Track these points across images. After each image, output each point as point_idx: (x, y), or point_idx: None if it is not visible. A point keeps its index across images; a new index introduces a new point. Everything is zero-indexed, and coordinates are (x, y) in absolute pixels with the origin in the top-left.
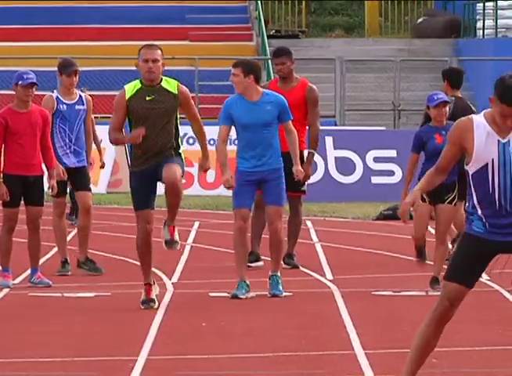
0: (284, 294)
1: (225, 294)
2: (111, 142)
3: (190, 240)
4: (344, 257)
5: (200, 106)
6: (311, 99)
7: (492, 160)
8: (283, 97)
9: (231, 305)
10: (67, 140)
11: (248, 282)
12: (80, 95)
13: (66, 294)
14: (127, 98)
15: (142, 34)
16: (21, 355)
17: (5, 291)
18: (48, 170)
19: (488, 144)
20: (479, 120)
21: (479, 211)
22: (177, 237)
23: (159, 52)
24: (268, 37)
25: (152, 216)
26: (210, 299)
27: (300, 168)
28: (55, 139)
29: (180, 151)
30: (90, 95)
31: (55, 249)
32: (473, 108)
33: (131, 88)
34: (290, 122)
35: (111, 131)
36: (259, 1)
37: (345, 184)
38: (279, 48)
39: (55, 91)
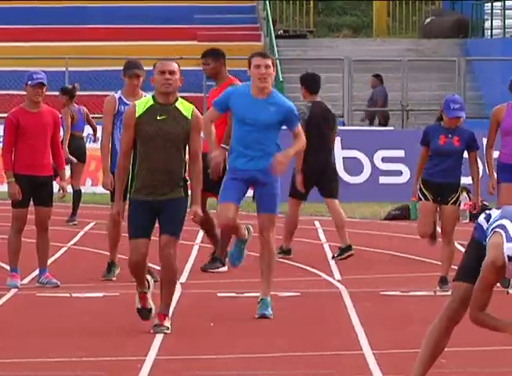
0: (271, 314)
1: (233, 295)
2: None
3: (198, 240)
4: (353, 257)
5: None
6: None
7: None
8: (291, 104)
9: (239, 306)
10: None
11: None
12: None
13: (74, 295)
14: (137, 115)
15: (150, 34)
16: (29, 355)
17: (14, 291)
18: (58, 171)
19: None
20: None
21: None
22: (168, 324)
23: (176, 65)
24: (276, 37)
25: (147, 247)
26: (219, 299)
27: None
28: (116, 140)
29: (187, 184)
30: (99, 95)
31: (64, 249)
32: (332, 111)
33: (142, 104)
34: (299, 130)
35: (120, 156)
36: (267, 2)
37: (353, 184)
38: (208, 49)
39: (118, 91)
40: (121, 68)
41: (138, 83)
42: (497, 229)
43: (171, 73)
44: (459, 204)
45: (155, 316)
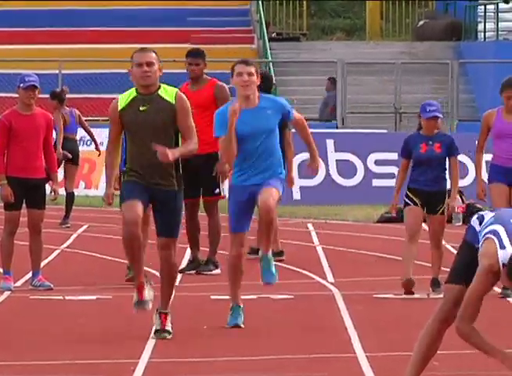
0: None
1: (227, 297)
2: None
3: None
4: (346, 260)
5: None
6: (221, 97)
7: None
8: (281, 99)
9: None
10: None
11: (242, 305)
12: None
13: (67, 297)
14: (119, 109)
15: (143, 37)
16: (22, 358)
17: (7, 293)
18: (50, 174)
19: None
20: None
21: None
22: (169, 327)
23: (154, 55)
24: (270, 39)
25: (141, 210)
26: (212, 302)
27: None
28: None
29: (180, 174)
30: (92, 98)
31: (57, 252)
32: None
33: (124, 97)
34: (297, 117)
35: (108, 148)
36: (260, 4)
37: (346, 187)
38: (194, 49)
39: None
40: (115, 71)
41: None
42: (490, 235)
43: (149, 64)
44: (445, 213)
45: (154, 315)
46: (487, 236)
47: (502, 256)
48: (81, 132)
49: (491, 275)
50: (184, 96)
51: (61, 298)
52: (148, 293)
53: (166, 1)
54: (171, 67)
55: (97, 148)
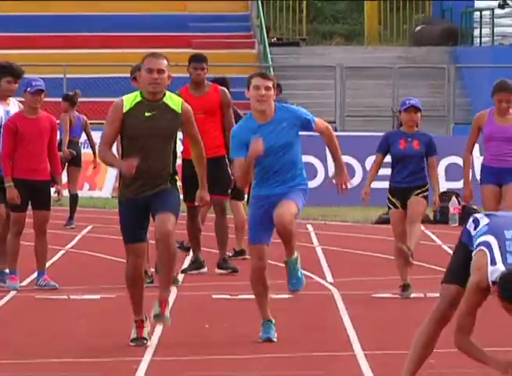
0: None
1: (228, 297)
2: (100, 159)
3: None
4: (344, 260)
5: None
6: (226, 102)
7: None
8: (298, 108)
9: (233, 307)
10: None
11: (272, 320)
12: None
13: (72, 297)
14: (124, 111)
15: (146, 42)
16: (27, 356)
17: (13, 293)
18: (54, 176)
19: None
20: None
21: None
22: (168, 314)
23: (165, 62)
24: (270, 45)
25: (143, 250)
26: (213, 301)
27: None
28: None
29: (176, 178)
30: (96, 101)
31: (62, 252)
32: (240, 113)
33: (130, 99)
34: (319, 122)
35: (102, 145)
36: (261, 10)
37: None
38: (198, 54)
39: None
40: (118, 75)
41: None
42: (482, 248)
43: (160, 72)
44: (426, 197)
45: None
46: (480, 247)
47: (492, 273)
48: (84, 136)
49: (479, 292)
50: (188, 106)
51: (66, 297)
52: (147, 327)
53: (168, 7)
54: (173, 72)
55: (95, 158)
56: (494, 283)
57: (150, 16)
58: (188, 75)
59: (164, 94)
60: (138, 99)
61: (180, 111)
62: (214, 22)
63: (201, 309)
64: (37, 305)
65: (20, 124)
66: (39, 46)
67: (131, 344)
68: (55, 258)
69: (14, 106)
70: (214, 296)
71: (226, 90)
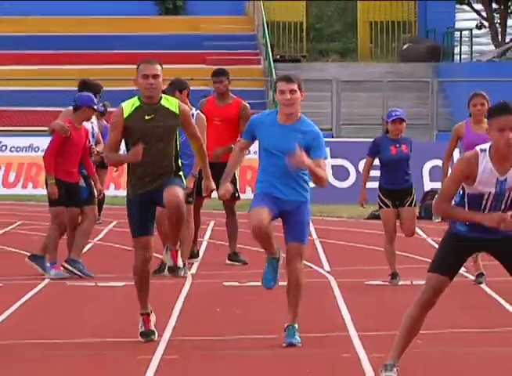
0: (299, 340)
1: (237, 284)
2: (108, 161)
3: (207, 236)
4: (340, 251)
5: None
6: (245, 115)
7: (490, 192)
8: (318, 129)
9: (242, 293)
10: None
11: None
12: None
13: (99, 284)
14: (125, 116)
15: (165, 59)
16: (63, 336)
17: (46, 280)
18: (90, 177)
19: (489, 180)
20: (483, 157)
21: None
22: (180, 263)
23: (159, 67)
24: (274, 61)
25: (151, 243)
26: (224, 288)
27: None
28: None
29: (180, 173)
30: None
31: (91, 244)
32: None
33: (129, 105)
34: (323, 161)
35: (106, 150)
36: (266, 31)
37: (341, 188)
38: (218, 68)
39: None
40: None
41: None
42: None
43: (155, 77)
44: (415, 205)
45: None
46: None
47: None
48: None
49: (467, 160)
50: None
51: (93, 284)
52: (152, 320)
53: (185, 28)
54: (190, 84)
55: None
56: (482, 150)
57: (169, 35)
58: (203, 88)
59: (161, 97)
60: (137, 103)
61: (178, 112)
62: (225, 41)
63: (213, 295)
64: (68, 292)
65: (72, 132)
66: (67, 62)
67: (142, 339)
68: (84, 250)
69: (94, 117)
70: (224, 283)
71: (247, 105)
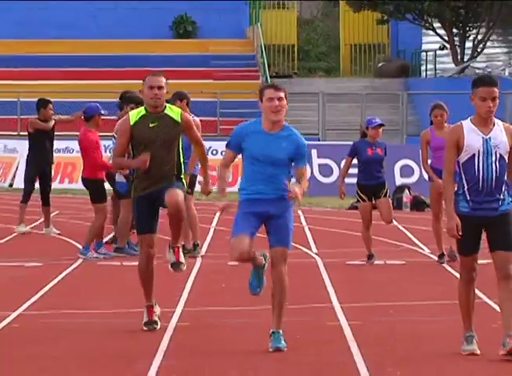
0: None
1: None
2: (114, 167)
3: (214, 223)
4: (326, 236)
5: (221, 126)
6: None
7: (478, 150)
8: (303, 140)
9: (244, 271)
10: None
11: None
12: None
13: (124, 263)
14: (131, 124)
15: (178, 75)
16: (91, 306)
17: (79, 260)
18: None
19: (475, 139)
20: (466, 123)
21: (466, 191)
22: (182, 259)
23: (163, 79)
24: (270, 77)
25: (154, 240)
26: (229, 267)
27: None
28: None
29: (181, 176)
30: None
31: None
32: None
33: (135, 114)
34: (303, 171)
35: (113, 156)
36: (264, 52)
37: (326, 183)
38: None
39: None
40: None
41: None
42: None
43: (160, 88)
44: (389, 196)
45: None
46: None
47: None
48: None
49: (455, 131)
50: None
51: (119, 263)
52: (156, 311)
53: (195, 49)
54: (199, 97)
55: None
56: (463, 120)
57: (182, 55)
58: (211, 99)
59: (165, 106)
60: (143, 112)
61: (180, 120)
62: (229, 60)
63: (219, 273)
64: (98, 270)
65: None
66: (95, 78)
67: (144, 328)
68: (111, 235)
69: None
70: (229, 263)
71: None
